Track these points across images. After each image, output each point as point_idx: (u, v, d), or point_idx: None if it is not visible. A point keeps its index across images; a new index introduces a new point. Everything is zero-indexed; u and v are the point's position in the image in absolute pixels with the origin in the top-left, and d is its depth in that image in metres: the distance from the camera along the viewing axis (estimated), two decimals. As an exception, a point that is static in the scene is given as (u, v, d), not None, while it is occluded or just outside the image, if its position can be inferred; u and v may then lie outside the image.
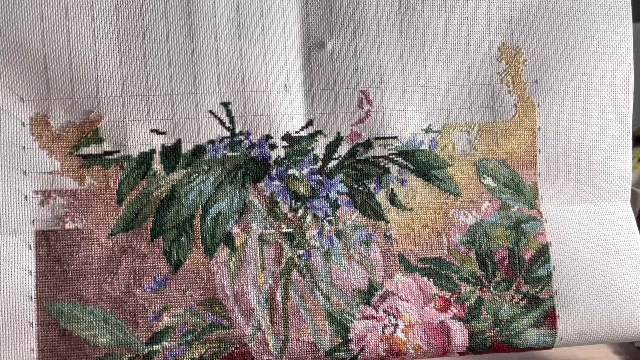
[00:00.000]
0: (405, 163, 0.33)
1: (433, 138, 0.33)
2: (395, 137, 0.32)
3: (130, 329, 0.30)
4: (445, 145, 0.33)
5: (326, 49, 0.32)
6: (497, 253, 0.33)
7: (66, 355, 0.30)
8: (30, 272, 0.30)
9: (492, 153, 0.33)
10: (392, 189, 0.32)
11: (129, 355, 0.30)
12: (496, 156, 0.33)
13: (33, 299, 0.30)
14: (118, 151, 0.31)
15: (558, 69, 0.33)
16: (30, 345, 0.30)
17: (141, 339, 0.30)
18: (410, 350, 0.32)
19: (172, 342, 0.30)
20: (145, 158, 0.31)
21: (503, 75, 0.33)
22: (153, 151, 0.31)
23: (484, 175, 0.33)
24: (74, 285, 0.30)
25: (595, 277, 0.33)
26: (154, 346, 0.30)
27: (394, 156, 0.33)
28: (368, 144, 0.32)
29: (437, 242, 0.33)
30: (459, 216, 0.33)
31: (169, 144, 0.31)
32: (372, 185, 0.32)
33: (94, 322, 0.30)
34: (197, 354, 0.31)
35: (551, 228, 0.33)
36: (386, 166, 0.32)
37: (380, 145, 0.32)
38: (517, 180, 0.33)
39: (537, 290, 0.33)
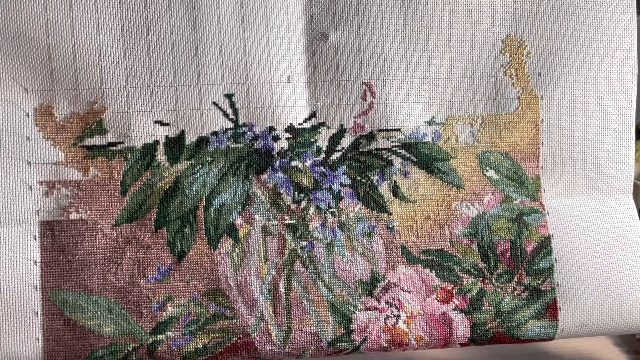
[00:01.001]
0: (408, 155, 0.33)
1: (436, 130, 0.33)
2: (399, 130, 0.32)
3: (135, 318, 0.30)
4: (449, 138, 0.33)
5: (330, 41, 0.32)
6: (499, 245, 0.33)
7: (71, 344, 0.30)
8: (35, 262, 0.30)
9: (495, 145, 0.33)
10: (394, 181, 0.33)
11: (134, 345, 0.30)
12: (499, 149, 0.33)
13: (38, 289, 0.30)
14: (122, 142, 0.31)
15: (561, 62, 0.33)
16: (35, 334, 0.30)
17: (145, 328, 0.31)
18: (412, 341, 0.32)
19: (176, 332, 0.31)
20: (149, 149, 0.31)
21: (507, 67, 0.33)
22: (157, 142, 0.31)
23: (487, 168, 0.33)
24: (78, 275, 0.30)
25: (597, 269, 0.33)
26: (158, 336, 0.31)
27: (397, 148, 0.33)
28: (371, 136, 0.32)
29: (439, 234, 0.33)
30: (462, 208, 0.33)
31: (172, 135, 0.31)
32: (375, 177, 0.32)
33: (99, 312, 0.30)
34: (200, 343, 0.31)
35: (553, 220, 0.33)
36: (389, 158, 0.33)
37: (383, 138, 0.32)
38: (519, 172, 0.33)
39: (539, 282, 0.33)
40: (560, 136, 0.33)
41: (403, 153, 0.33)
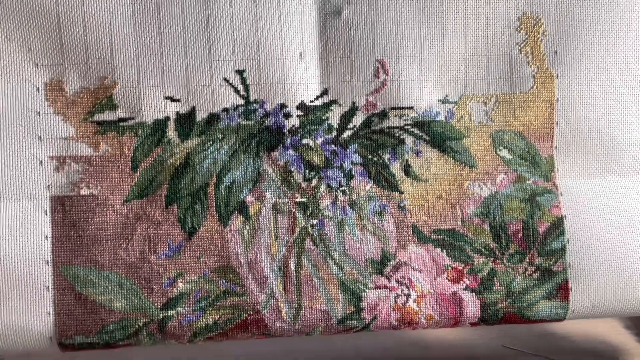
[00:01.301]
0: (420, 134, 0.32)
1: (449, 109, 0.32)
2: (411, 108, 0.32)
3: (145, 294, 0.31)
4: (462, 117, 0.33)
5: (342, 17, 0.31)
6: (511, 225, 0.33)
7: (82, 319, 0.30)
8: (46, 236, 0.30)
9: (509, 125, 0.33)
10: (406, 160, 0.32)
11: (144, 320, 0.31)
12: (513, 128, 0.33)
13: (49, 264, 0.30)
14: (132, 118, 0.31)
15: (578, 40, 0.32)
16: (46, 308, 0.30)
17: (156, 304, 0.31)
18: (422, 320, 0.32)
19: (186, 308, 0.31)
20: (160, 125, 0.31)
21: (522, 45, 0.32)
22: (167, 118, 0.31)
23: (500, 147, 0.33)
24: (89, 251, 0.30)
25: (610, 250, 0.33)
26: (169, 312, 0.31)
27: (409, 127, 0.32)
28: (383, 114, 0.32)
29: (451, 213, 0.32)
30: (474, 188, 0.33)
31: (183, 112, 0.31)
32: (386, 156, 0.32)
33: (110, 287, 0.30)
34: (211, 320, 0.31)
35: (566, 201, 0.33)
36: (401, 137, 0.32)
37: (395, 116, 0.32)
38: (533, 152, 0.33)
39: (551, 262, 0.33)
40: (575, 116, 0.33)
41: (415, 132, 0.32)
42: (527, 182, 0.33)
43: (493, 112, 0.33)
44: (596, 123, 0.33)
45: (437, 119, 0.32)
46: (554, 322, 0.33)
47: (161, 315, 0.31)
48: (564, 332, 0.41)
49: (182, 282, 0.31)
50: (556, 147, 0.33)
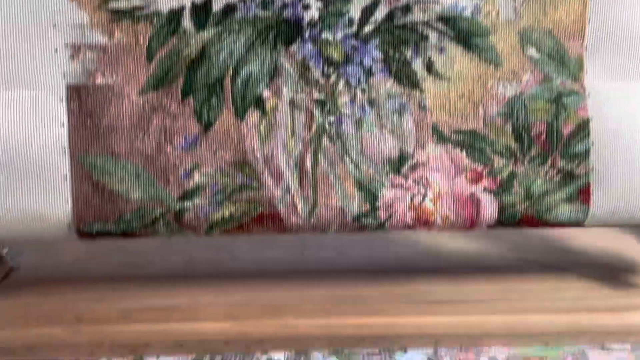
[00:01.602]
0: (445, 29, 0.31)
1: (476, 4, 0.31)
2: (436, 2, 0.31)
3: (162, 185, 0.31)
4: (489, 12, 0.31)
5: None
6: (535, 127, 0.32)
7: (100, 207, 0.31)
8: (63, 124, 0.30)
9: (538, 22, 0.31)
10: (429, 57, 0.31)
11: (161, 210, 0.31)
12: (542, 25, 0.31)
13: (66, 152, 0.30)
14: (147, 6, 0.30)
15: None
16: (64, 196, 0.30)
17: (173, 195, 0.31)
18: (438, 220, 0.32)
19: (203, 200, 0.31)
20: (175, 15, 0.30)
21: None
22: (183, 8, 0.30)
23: (528, 46, 0.31)
24: (106, 140, 0.30)
25: (635, 156, 0.32)
26: (186, 203, 0.31)
27: (433, 22, 0.31)
28: (407, 8, 0.31)
29: (472, 113, 0.32)
30: (498, 87, 0.32)
31: (198, 1, 0.30)
32: (408, 53, 0.31)
33: (127, 177, 0.30)
34: (227, 212, 0.31)
35: (593, 104, 0.32)
36: (425, 32, 0.31)
37: (419, 10, 0.31)
38: (562, 52, 0.32)
39: (573, 166, 0.32)
40: (608, 14, 0.31)
41: (440, 27, 0.31)
42: (554, 82, 0.32)
43: (522, 8, 0.31)
44: (630, 23, 0.31)
45: (463, 15, 0.31)
46: (572, 226, 0.33)
47: (178, 206, 0.31)
48: (579, 246, 0.41)
49: (198, 174, 0.31)
50: (586, 47, 0.32)
